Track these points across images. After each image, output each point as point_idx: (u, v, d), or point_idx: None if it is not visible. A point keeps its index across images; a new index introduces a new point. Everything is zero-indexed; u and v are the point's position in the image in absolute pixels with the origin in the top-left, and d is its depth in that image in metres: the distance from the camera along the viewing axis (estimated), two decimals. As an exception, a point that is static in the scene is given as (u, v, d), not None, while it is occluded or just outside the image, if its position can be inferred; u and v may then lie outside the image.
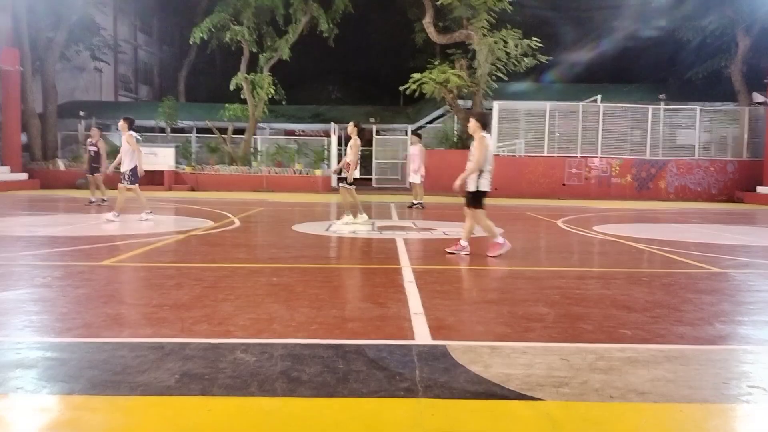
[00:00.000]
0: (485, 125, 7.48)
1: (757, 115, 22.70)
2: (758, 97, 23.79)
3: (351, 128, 10.79)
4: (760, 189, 21.25)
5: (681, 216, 14.78)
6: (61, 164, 24.07)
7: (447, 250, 7.67)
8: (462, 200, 7.60)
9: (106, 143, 15.08)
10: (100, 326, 4.05)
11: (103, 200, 14.34)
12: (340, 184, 11.05)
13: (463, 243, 7.55)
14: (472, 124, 7.43)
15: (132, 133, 10.98)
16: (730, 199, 21.80)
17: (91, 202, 14.30)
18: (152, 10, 37.69)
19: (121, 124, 11.08)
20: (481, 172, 7.26)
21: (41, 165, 23.95)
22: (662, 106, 23.06)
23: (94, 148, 14.26)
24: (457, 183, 7.36)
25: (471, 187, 7.36)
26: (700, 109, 22.57)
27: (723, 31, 25.68)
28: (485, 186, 7.38)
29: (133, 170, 10.93)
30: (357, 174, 11.04)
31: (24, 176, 21.95)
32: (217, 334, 3.84)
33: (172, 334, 3.83)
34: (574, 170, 21.88)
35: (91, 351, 3.49)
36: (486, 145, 7.27)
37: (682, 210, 17.00)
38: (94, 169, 14.29)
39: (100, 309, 4.56)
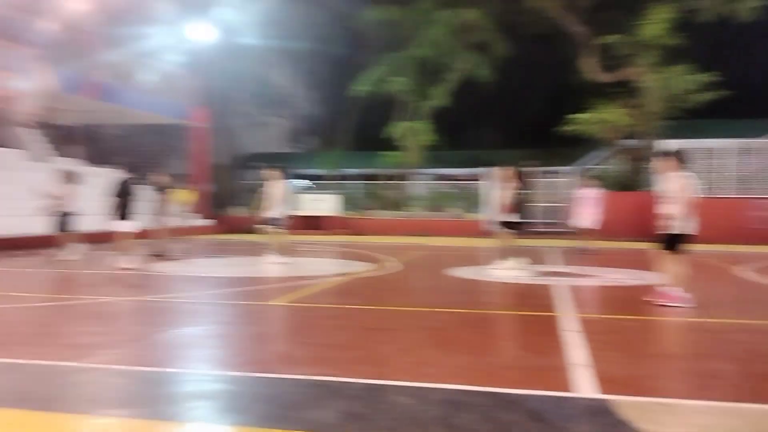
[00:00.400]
0: (682, 162, 7.06)
1: None
2: None
3: (505, 171, 10.70)
4: None
5: None
6: (241, 211, 26.32)
7: (657, 301, 6.89)
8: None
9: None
10: (270, 362, 4.31)
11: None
12: (501, 229, 10.90)
13: (679, 293, 6.85)
14: (668, 163, 7.00)
15: (285, 181, 11.53)
16: None
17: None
18: (322, 66, 40.43)
19: (272, 173, 11.55)
20: (686, 213, 6.83)
21: (226, 212, 26.33)
22: None
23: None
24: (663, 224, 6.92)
25: (675, 230, 6.92)
26: None
27: None
28: (690, 229, 6.90)
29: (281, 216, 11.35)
30: (517, 218, 10.85)
31: (212, 222, 24.19)
32: (377, 375, 3.92)
33: (335, 372, 3.97)
34: (759, 213, 19.84)
35: (263, 385, 3.72)
36: (687, 183, 6.86)
37: None
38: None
39: (269, 346, 4.86)
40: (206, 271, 10.12)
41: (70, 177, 11.30)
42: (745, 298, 8.06)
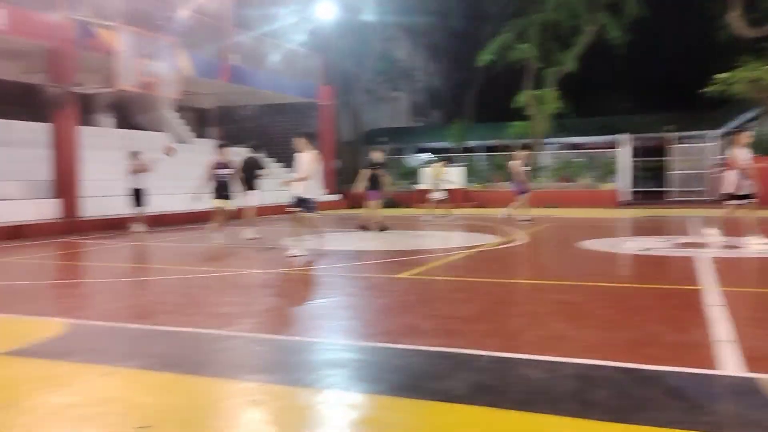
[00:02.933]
0: None
1: None
2: None
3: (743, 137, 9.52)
4: None
5: None
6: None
7: None
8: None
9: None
10: (400, 333, 4.43)
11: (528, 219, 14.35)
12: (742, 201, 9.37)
13: None
14: None
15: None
16: None
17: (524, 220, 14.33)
18: (442, 39, 40.11)
19: (300, 141, 8.71)
20: None
21: (351, 187, 27.05)
22: None
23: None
24: None
25: None
26: None
27: None
28: None
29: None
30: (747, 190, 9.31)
31: (337, 197, 24.97)
32: (506, 348, 3.91)
33: (464, 345, 4.00)
34: None
35: (393, 356, 3.83)
36: None
37: None
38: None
39: (398, 318, 4.98)
40: (334, 246, 10.48)
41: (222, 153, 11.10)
42: None
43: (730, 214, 9.51)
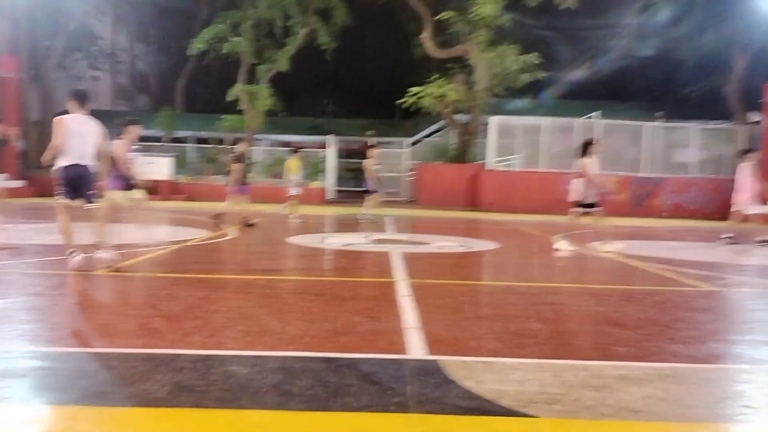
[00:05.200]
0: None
1: (752, 134, 22.84)
2: (753, 117, 23.95)
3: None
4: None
5: (675, 234, 14.81)
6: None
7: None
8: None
9: None
10: (92, 336, 4.02)
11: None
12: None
13: None
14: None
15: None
16: (725, 218, 21.86)
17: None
18: (150, 20, 37.86)
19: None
20: None
21: (38, 173, 23.89)
22: (659, 123, 23.19)
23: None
24: None
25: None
26: (696, 128, 22.70)
27: (720, 50, 25.88)
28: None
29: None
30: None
31: (21, 183, 21.90)
32: (208, 346, 3.81)
33: (165, 345, 3.80)
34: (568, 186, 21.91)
35: (83, 361, 3.46)
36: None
37: (676, 228, 17.05)
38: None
39: (91, 319, 4.53)
40: (27, 238, 9.17)
41: None
42: (553, 264, 8.88)
43: (573, 221, 9.86)
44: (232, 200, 12.36)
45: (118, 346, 3.77)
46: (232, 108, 25.48)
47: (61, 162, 6.16)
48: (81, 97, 6.28)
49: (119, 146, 8.03)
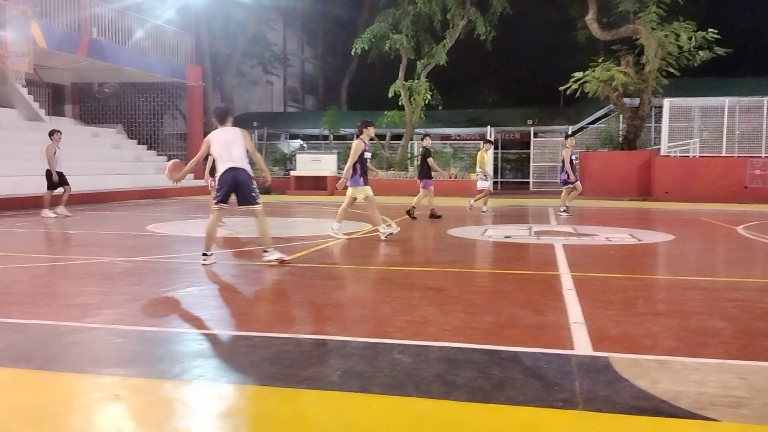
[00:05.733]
0: None
1: None
2: None
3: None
4: None
5: None
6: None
7: None
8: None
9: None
10: (272, 321, 4.35)
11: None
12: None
13: None
14: None
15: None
16: None
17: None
18: (318, 25, 39.81)
19: None
20: None
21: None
22: None
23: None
24: None
25: None
26: None
27: None
28: None
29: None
30: None
31: (205, 183, 24.17)
32: (375, 334, 3.95)
33: (335, 332, 4.02)
34: (758, 171, 19.80)
35: (262, 345, 3.75)
36: None
37: None
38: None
39: (270, 306, 4.90)
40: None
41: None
42: (740, 257, 8.09)
43: None
44: (423, 193, 12.74)
45: (293, 332, 4.04)
46: (394, 104, 26.05)
47: (219, 170, 6.71)
48: (218, 115, 6.88)
49: (356, 146, 9.72)
